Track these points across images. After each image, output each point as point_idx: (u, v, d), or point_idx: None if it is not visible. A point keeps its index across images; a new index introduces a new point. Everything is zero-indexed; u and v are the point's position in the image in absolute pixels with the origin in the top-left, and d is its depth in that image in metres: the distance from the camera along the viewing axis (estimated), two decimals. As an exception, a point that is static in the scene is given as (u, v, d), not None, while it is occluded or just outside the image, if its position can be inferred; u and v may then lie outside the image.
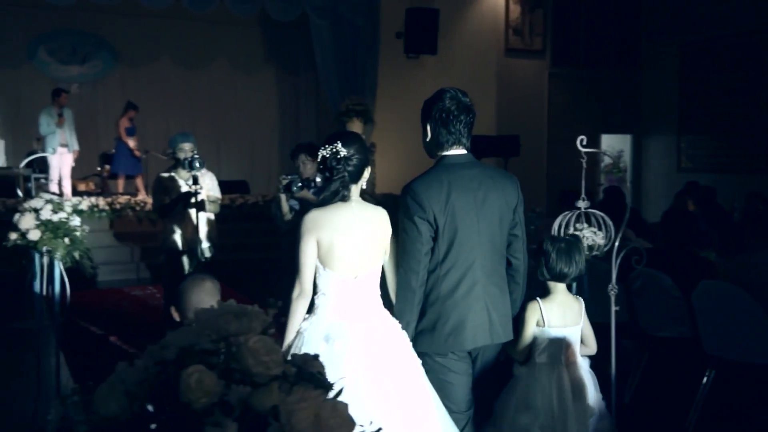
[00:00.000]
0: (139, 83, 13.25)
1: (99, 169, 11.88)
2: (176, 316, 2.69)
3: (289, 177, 4.85)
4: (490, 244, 2.86)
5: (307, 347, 2.60)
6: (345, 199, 2.73)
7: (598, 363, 3.51)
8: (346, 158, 2.73)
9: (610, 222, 3.55)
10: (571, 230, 3.52)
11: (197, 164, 5.06)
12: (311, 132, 14.59)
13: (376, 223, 2.79)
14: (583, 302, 3.23)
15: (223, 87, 13.88)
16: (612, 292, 3.64)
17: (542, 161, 12.70)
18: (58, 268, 4.20)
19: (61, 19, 12.53)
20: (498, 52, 12.27)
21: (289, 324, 2.71)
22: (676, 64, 12.65)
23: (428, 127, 2.97)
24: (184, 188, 5.29)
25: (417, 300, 2.80)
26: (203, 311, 1.05)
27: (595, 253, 3.53)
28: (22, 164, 10.49)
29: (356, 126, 11.12)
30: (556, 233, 3.52)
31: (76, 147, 10.46)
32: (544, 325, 3.07)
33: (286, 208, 4.95)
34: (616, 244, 3.54)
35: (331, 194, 2.73)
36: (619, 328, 3.72)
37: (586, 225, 3.53)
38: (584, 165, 3.49)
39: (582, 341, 3.19)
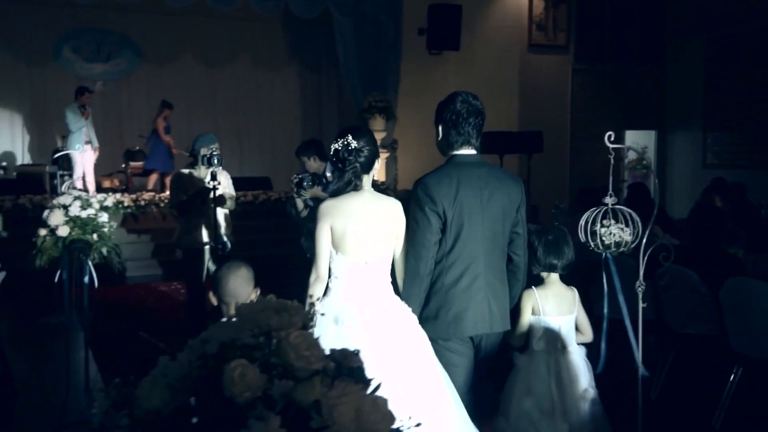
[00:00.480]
0: (163, 81, 13.34)
1: (123, 165, 11.99)
2: (214, 301, 2.83)
3: (300, 176, 5.06)
4: (493, 239, 3.04)
5: (318, 328, 2.67)
6: (357, 188, 2.89)
7: (621, 360, 3.49)
8: (357, 150, 2.89)
9: (637, 218, 3.51)
10: (597, 227, 3.50)
11: (216, 161, 5.20)
12: (333, 129, 14.61)
13: (388, 212, 2.96)
14: (576, 292, 3.40)
15: (245, 84, 13.93)
16: (639, 289, 3.61)
17: (565, 157, 12.63)
18: (87, 263, 4.26)
19: (86, 18, 12.66)
20: (521, 48, 12.21)
21: (306, 303, 2.70)
22: (701, 59, 12.50)
23: (440, 128, 3.15)
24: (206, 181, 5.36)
25: (424, 287, 2.96)
26: (244, 306, 1.06)
27: (622, 249, 3.51)
28: (50, 161, 10.70)
29: (378, 123, 11.14)
30: (582, 230, 3.50)
31: (97, 144, 10.57)
32: (540, 314, 3.25)
33: (300, 205, 5.15)
34: (644, 240, 3.51)
35: (344, 184, 2.89)
36: (646, 325, 3.70)
37: (613, 221, 3.50)
38: (612, 161, 3.47)
39: (577, 329, 3.36)
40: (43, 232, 4.09)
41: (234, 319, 1.05)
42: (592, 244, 3.50)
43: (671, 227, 6.36)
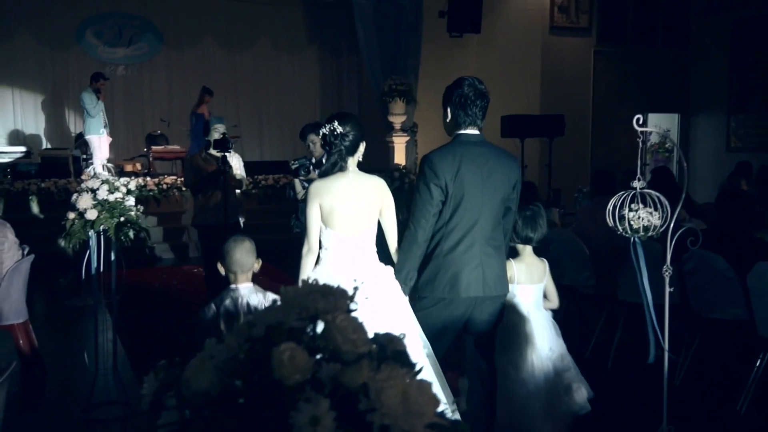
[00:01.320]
0: (184, 65, 13.39)
1: (145, 150, 12.06)
2: (222, 270, 3.17)
3: (298, 161, 5.36)
4: (490, 211, 3.30)
5: None
6: (343, 169, 3.21)
7: (645, 345, 3.48)
8: (342, 134, 3.20)
9: (666, 202, 3.49)
10: (625, 211, 3.47)
11: (228, 145, 5.54)
12: (353, 111, 14.60)
13: (372, 189, 3.26)
14: (547, 263, 3.73)
15: (266, 68, 13.94)
16: (666, 274, 3.59)
17: (587, 141, 12.53)
18: (114, 246, 4.30)
19: (108, 2, 12.72)
20: (543, 30, 12.10)
21: (300, 274, 3.24)
22: (726, 41, 12.32)
23: (448, 110, 3.39)
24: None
25: (420, 252, 3.25)
26: (290, 290, 1.07)
27: (651, 234, 3.48)
28: (73, 145, 10.79)
29: (398, 106, 11.08)
30: (610, 214, 3.48)
31: (108, 129, 10.63)
32: (514, 283, 3.59)
33: (299, 188, 5.46)
34: (671, 225, 3.48)
35: (331, 165, 3.22)
36: (670, 309, 3.68)
37: (641, 205, 3.48)
38: (641, 144, 3.44)
39: (545, 296, 3.71)
40: (71, 215, 4.13)
41: (279, 303, 1.06)
42: (620, 228, 3.48)
43: (695, 211, 6.31)
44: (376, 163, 12.14)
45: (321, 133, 3.30)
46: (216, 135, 5.66)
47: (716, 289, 4.45)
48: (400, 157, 11.01)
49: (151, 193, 9.91)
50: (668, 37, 12.76)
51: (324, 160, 3.33)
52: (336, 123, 3.21)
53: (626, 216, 3.51)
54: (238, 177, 6.01)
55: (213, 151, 5.73)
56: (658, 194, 3.48)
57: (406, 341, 2.58)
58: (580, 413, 3.66)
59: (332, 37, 14.20)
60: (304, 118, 14.09)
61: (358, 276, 2.95)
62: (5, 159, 11.10)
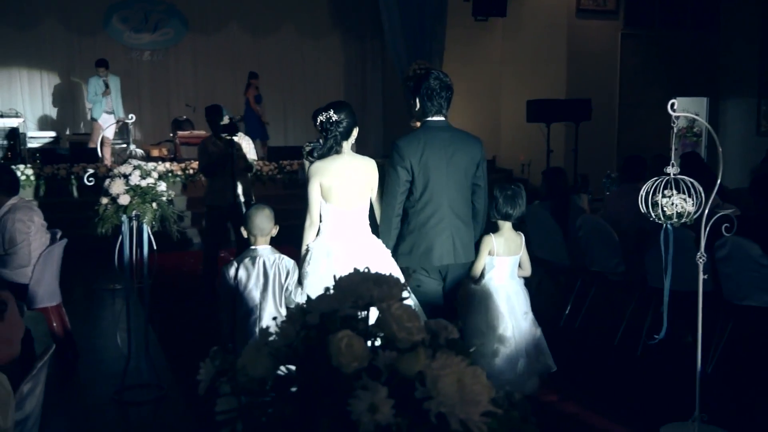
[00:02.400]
0: (209, 50, 13.43)
1: (171, 134, 12.14)
2: (244, 233, 3.64)
3: (312, 144, 5.55)
4: (456, 188, 3.72)
5: (314, 259, 3.56)
6: (338, 152, 3.63)
7: (676, 331, 3.47)
8: (337, 122, 3.59)
9: (700, 188, 3.45)
10: (659, 197, 3.44)
11: (234, 129, 6.15)
12: (377, 97, 14.57)
13: (364, 169, 3.68)
14: (523, 236, 4.12)
15: (290, 53, 13.95)
16: (700, 261, 3.56)
17: (613, 125, 12.40)
18: (146, 231, 4.34)
19: (134, -13, 12.79)
20: (569, 13, 11.95)
21: (303, 243, 3.65)
22: (756, 23, 12.08)
23: (417, 100, 3.75)
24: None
25: (394, 226, 3.70)
26: (343, 279, 1.07)
27: (684, 220, 3.45)
28: (104, 131, 10.86)
29: (423, 91, 11.05)
30: (643, 200, 3.45)
31: (121, 115, 10.65)
32: (494, 254, 4.01)
33: None
34: (706, 211, 3.45)
35: (327, 149, 3.64)
36: (703, 296, 3.65)
37: (675, 191, 3.44)
38: (675, 129, 3.40)
39: (520, 266, 4.11)
40: (104, 200, 4.17)
41: (333, 291, 1.07)
42: (652, 214, 3.46)
43: (727, 196, 6.22)
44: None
45: (318, 120, 3.67)
46: (224, 120, 6.26)
47: (750, 277, 4.40)
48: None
49: (177, 178, 9.97)
50: (697, 19, 12.54)
51: (321, 144, 3.72)
52: (332, 111, 3.60)
53: (659, 202, 3.49)
54: (249, 159, 6.47)
55: (223, 136, 6.29)
56: (692, 180, 3.44)
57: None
58: (550, 371, 4.10)
59: (356, 22, 14.15)
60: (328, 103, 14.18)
61: (353, 244, 3.56)
62: (35, 143, 11.24)
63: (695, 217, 3.44)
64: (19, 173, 9.50)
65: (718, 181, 3.43)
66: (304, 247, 3.63)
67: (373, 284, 1.05)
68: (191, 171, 10.15)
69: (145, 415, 4.31)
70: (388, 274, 2.99)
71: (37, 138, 11.59)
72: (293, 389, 1.04)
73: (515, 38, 13.09)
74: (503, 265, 4.01)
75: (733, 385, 4.54)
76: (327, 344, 0.99)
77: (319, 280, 3.43)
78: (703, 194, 3.44)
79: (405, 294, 1.08)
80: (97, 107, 10.46)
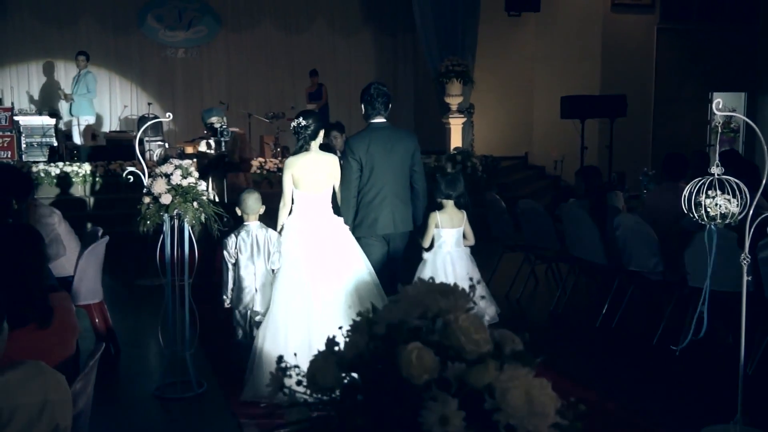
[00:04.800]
0: (242, 48, 13.54)
1: (205, 132, 12.25)
2: (239, 212, 4.63)
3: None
4: (395, 174, 4.76)
5: (287, 234, 4.50)
6: (307, 150, 4.57)
7: (717, 331, 3.43)
8: (305, 126, 4.54)
9: (745, 188, 3.40)
10: (702, 197, 3.40)
11: (225, 133, 6.59)
12: (409, 93, 14.56)
13: (327, 163, 4.62)
14: (465, 213, 4.99)
15: (322, 49, 14.00)
16: (744, 262, 3.52)
17: (648, 121, 12.25)
18: (187, 230, 4.40)
19: (168, -14, 12.92)
20: (604, 8, 11.83)
21: (278, 220, 4.61)
22: (797, 16, 11.85)
23: (362, 106, 4.84)
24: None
25: (352, 205, 4.73)
26: (409, 289, 1.09)
27: (728, 221, 3.40)
28: (136, 127, 11.01)
29: (455, 87, 10.98)
30: (685, 201, 3.42)
31: (91, 112, 11.06)
32: (440, 227, 4.92)
33: None
34: (751, 212, 3.40)
35: (298, 148, 4.61)
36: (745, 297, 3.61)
37: (718, 192, 3.40)
38: (720, 129, 3.36)
39: (465, 237, 4.99)
40: (146, 200, 4.24)
41: (400, 302, 1.08)
42: (696, 215, 3.42)
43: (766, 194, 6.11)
44: (432, 145, 12.14)
45: (292, 125, 4.66)
46: (212, 120, 6.79)
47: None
48: (456, 139, 10.94)
49: (212, 175, 10.06)
50: (735, 12, 12.31)
51: (296, 143, 4.63)
52: (301, 118, 4.57)
53: (703, 203, 3.45)
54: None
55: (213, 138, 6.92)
56: (737, 181, 3.40)
57: (352, 263, 4.33)
58: (492, 323, 4.73)
59: (388, 18, 14.15)
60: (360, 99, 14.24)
61: (318, 222, 4.48)
62: (73, 141, 11.43)
63: (739, 218, 3.40)
64: (68, 170, 9.70)
65: (764, 181, 3.38)
66: (279, 224, 4.60)
67: (440, 295, 1.06)
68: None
69: (186, 412, 4.37)
70: (351, 247, 4.20)
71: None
72: (360, 398, 1.06)
73: (549, 33, 12.98)
74: (448, 236, 4.94)
75: (775, 387, 4.47)
76: (396, 355, 1.00)
77: (293, 248, 4.42)
78: (748, 195, 3.39)
79: (471, 304, 1.10)
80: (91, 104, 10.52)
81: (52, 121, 10.80)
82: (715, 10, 12.19)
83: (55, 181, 9.61)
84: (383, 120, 4.79)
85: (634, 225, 5.21)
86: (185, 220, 4.30)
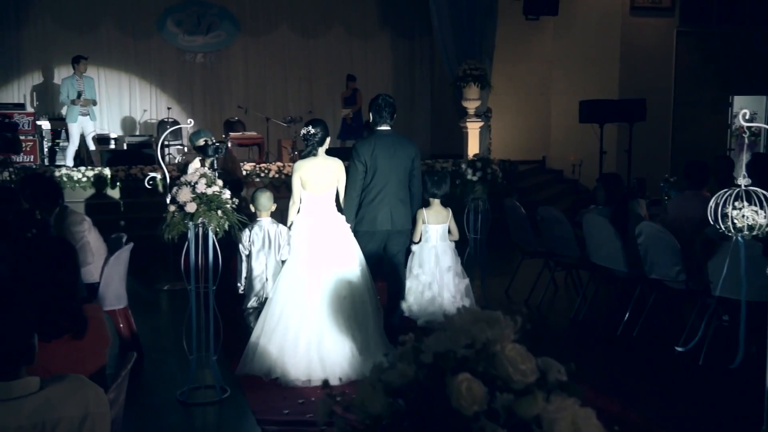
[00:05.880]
0: (260, 52, 13.62)
1: (224, 136, 12.33)
2: (252, 209, 5.29)
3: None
4: (396, 177, 5.20)
5: (296, 229, 5.02)
6: (315, 154, 5.06)
7: (737, 345, 3.36)
8: (313, 134, 5.03)
9: (771, 200, 3.38)
10: (729, 209, 3.39)
11: (220, 150, 6.65)
12: (426, 96, 14.57)
13: (332, 167, 5.10)
14: (450, 210, 5.72)
15: (339, 53, 14.05)
16: (770, 273, 3.49)
17: (667, 125, 12.18)
18: (211, 238, 4.44)
19: (188, -8, 13.02)
20: (623, 11, 11.79)
21: (288, 217, 5.14)
22: (819, 19, 11.75)
23: (370, 114, 5.33)
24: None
25: (355, 204, 5.16)
26: (456, 318, 1.11)
27: (755, 233, 3.39)
28: (155, 131, 11.09)
29: (473, 91, 10.98)
30: (712, 213, 3.41)
31: (95, 118, 10.75)
32: (426, 223, 5.66)
33: None
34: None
35: (307, 153, 5.09)
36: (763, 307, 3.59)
37: (745, 203, 3.39)
38: (746, 140, 3.35)
39: (450, 232, 5.68)
40: (172, 208, 4.28)
41: (446, 331, 1.10)
42: (722, 227, 3.41)
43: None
44: (449, 149, 12.15)
45: (301, 133, 5.15)
46: (200, 142, 6.80)
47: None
48: (473, 143, 10.93)
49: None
50: (755, 15, 12.22)
51: (305, 148, 5.13)
52: (310, 127, 5.07)
53: (729, 214, 3.44)
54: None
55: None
56: (764, 192, 3.38)
57: (349, 259, 4.84)
58: None
59: (405, 21, 14.18)
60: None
61: (323, 219, 4.98)
62: (93, 146, 11.54)
63: (767, 229, 3.38)
64: (90, 174, 9.80)
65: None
66: (289, 221, 5.13)
67: (486, 325, 1.08)
68: (245, 172, 10.30)
69: (209, 417, 4.41)
70: (349, 242, 5.08)
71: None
72: (406, 424, 1.08)
73: (567, 37, 12.95)
74: (434, 231, 5.63)
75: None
76: (445, 386, 1.02)
77: (300, 243, 4.94)
78: (774, 205, 3.38)
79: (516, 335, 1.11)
80: (74, 109, 10.37)
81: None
82: (735, 12, 12.11)
83: (77, 185, 9.71)
84: (388, 128, 5.29)
85: (656, 233, 5.20)
86: (209, 228, 4.34)
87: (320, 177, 5.02)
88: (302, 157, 5.14)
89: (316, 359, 4.62)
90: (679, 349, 4.22)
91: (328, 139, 5.11)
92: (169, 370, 5.16)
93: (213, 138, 7.02)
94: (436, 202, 5.57)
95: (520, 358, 1.05)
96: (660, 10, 11.84)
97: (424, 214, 5.56)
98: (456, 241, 5.74)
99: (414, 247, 5.63)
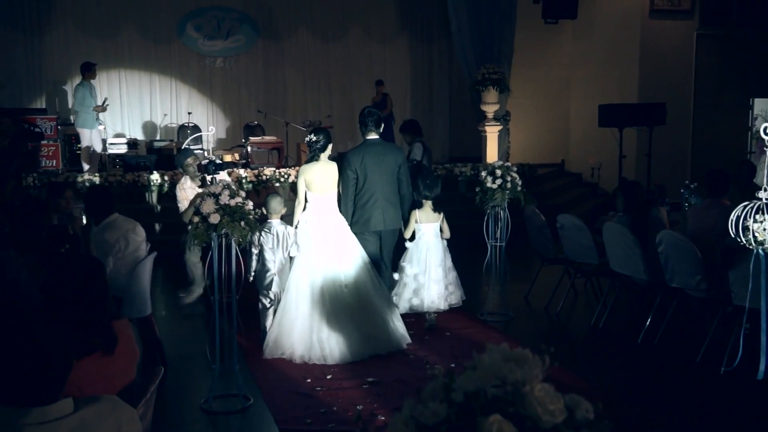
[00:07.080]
0: (279, 56, 13.69)
1: (243, 140, 12.42)
2: (264, 211, 5.41)
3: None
4: (385, 182, 5.79)
5: (302, 227, 5.60)
6: (317, 159, 5.65)
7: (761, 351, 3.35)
8: (316, 141, 5.64)
9: (793, 214, 3.38)
10: (749, 222, 3.39)
11: (211, 168, 6.68)
12: (444, 99, 14.58)
13: (332, 170, 5.69)
14: (442, 213, 5.99)
15: (358, 56, 14.09)
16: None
17: (687, 129, 12.11)
18: (234, 248, 4.49)
19: (207, -4, 13.13)
20: (642, 14, 11.73)
21: (294, 216, 5.70)
22: (841, 20, 11.62)
23: (359, 126, 5.93)
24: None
25: (350, 206, 5.75)
26: (485, 358, 1.14)
27: (777, 247, 3.39)
28: (176, 137, 11.16)
29: (491, 95, 10.95)
30: (733, 227, 3.41)
31: (103, 124, 10.85)
32: (419, 222, 5.95)
33: None
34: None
35: (310, 158, 5.70)
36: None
37: (766, 216, 3.39)
38: (767, 153, 3.35)
39: (441, 231, 5.99)
40: (195, 219, 4.34)
41: (476, 369, 1.13)
42: (743, 240, 3.41)
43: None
44: (467, 152, 12.15)
45: (306, 140, 5.84)
46: (188, 161, 6.79)
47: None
48: (492, 147, 10.92)
49: (250, 185, 10.20)
50: (777, 17, 12.12)
51: (308, 154, 5.71)
52: (313, 135, 5.69)
53: (750, 227, 3.44)
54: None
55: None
56: (786, 205, 3.37)
57: (352, 254, 5.46)
58: (458, 305, 6.09)
59: (424, 25, 14.20)
60: (396, 106, 14.29)
61: (326, 218, 5.57)
62: (114, 150, 11.68)
63: (789, 243, 3.38)
64: (112, 180, 9.91)
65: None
66: (295, 220, 5.69)
67: (516, 364, 1.11)
68: (264, 177, 10.38)
69: (233, 426, 4.46)
70: (351, 240, 5.77)
71: (116, 144, 12.02)
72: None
73: (586, 40, 12.91)
74: (426, 229, 5.96)
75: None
76: (477, 427, 1.05)
77: (306, 241, 5.49)
78: (796, 219, 3.37)
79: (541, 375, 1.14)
80: (92, 115, 10.46)
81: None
82: (755, 15, 12.01)
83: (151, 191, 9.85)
84: (376, 136, 5.88)
85: (677, 242, 5.19)
86: (233, 239, 4.39)
87: (323, 180, 5.63)
88: (306, 161, 5.82)
89: (316, 341, 5.22)
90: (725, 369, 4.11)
91: (330, 146, 5.71)
92: (192, 378, 5.22)
93: (197, 158, 6.99)
94: (427, 204, 5.97)
95: (549, 399, 1.08)
96: (680, 13, 11.77)
97: (416, 214, 5.96)
98: (448, 239, 6.07)
99: (408, 245, 6.00)
